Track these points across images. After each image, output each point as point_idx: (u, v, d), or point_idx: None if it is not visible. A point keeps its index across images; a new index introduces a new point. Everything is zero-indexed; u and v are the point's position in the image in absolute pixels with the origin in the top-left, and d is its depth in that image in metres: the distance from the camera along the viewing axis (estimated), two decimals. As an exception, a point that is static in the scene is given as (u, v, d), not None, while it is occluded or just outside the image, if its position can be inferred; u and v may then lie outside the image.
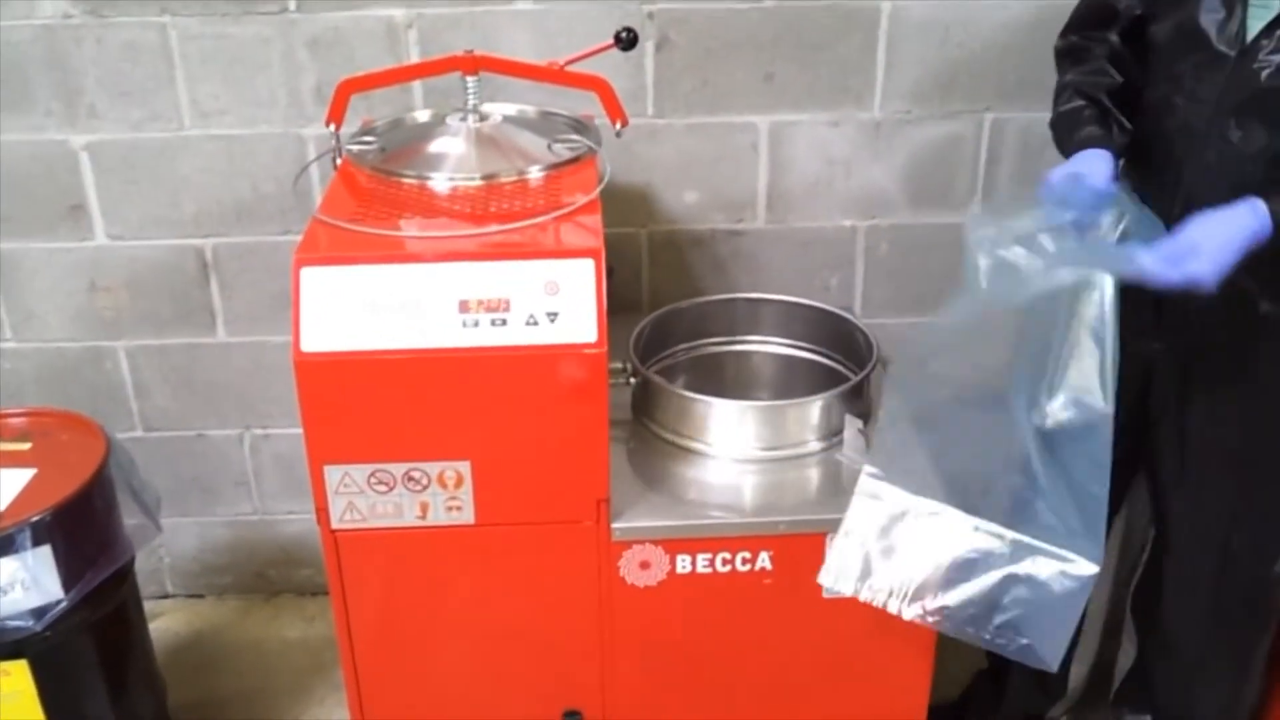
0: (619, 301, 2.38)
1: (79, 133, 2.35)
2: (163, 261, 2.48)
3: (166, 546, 2.81)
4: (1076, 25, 1.87)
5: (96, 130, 2.36)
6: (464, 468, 1.72)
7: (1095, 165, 1.68)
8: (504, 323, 1.64)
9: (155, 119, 2.35)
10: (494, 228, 1.70)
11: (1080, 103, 1.79)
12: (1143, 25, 1.78)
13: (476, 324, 1.65)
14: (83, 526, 1.97)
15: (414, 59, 2.32)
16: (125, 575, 2.13)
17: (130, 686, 2.17)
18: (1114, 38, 1.81)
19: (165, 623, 2.82)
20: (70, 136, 2.35)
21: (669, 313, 2.20)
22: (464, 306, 1.65)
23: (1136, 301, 1.64)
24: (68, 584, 1.94)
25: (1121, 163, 1.75)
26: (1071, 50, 1.86)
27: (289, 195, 2.35)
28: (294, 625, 2.81)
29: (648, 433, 2.01)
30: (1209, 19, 1.65)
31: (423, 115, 2.15)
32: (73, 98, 2.32)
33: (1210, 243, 1.55)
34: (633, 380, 2.01)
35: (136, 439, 2.65)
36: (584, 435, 1.70)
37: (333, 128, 2.01)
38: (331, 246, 1.68)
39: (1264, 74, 1.61)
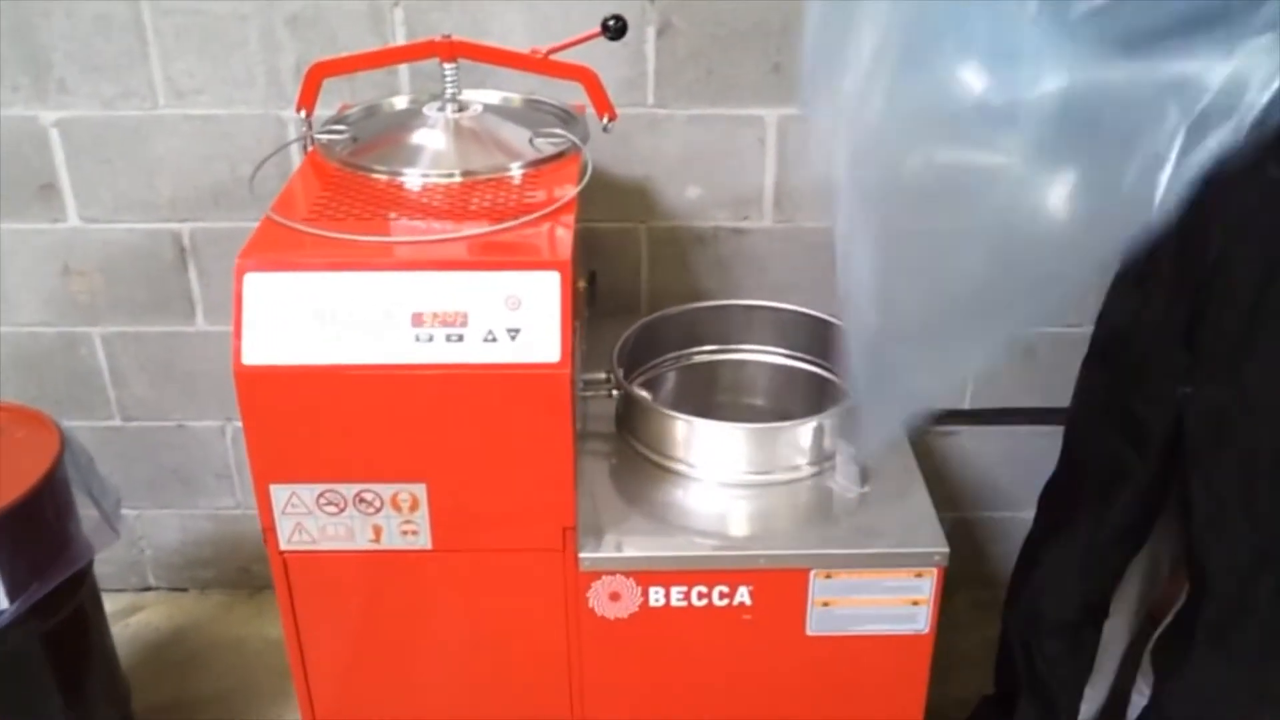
0: (614, 303, 2.27)
1: (49, 108, 2.24)
2: (138, 246, 2.37)
3: (148, 538, 2.73)
4: None
5: (67, 106, 2.24)
6: (419, 491, 1.60)
7: None
8: (460, 338, 1.51)
9: (128, 96, 2.23)
10: (454, 233, 1.57)
11: None
12: None
13: (431, 339, 1.52)
14: (31, 532, 1.87)
15: (399, 40, 2.18)
16: (82, 580, 2.03)
17: (89, 697, 2.08)
18: None
19: (146, 617, 2.74)
20: (40, 112, 2.24)
21: (659, 319, 2.06)
22: (418, 319, 1.52)
23: (1163, 341, 1.48)
24: (13, 593, 1.84)
25: None
26: None
27: (269, 180, 2.21)
28: (276, 623, 2.66)
29: (630, 449, 1.88)
30: None
31: (400, 102, 2.02)
32: (41, 72, 2.20)
33: None
34: (615, 393, 1.88)
35: (114, 428, 2.56)
36: (548, 460, 1.57)
37: (303, 114, 1.89)
38: (279, 250, 1.56)
39: None
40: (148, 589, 2.80)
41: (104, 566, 2.23)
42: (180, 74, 2.21)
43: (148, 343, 2.47)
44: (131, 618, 2.73)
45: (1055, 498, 2.02)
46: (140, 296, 2.42)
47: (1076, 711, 2.15)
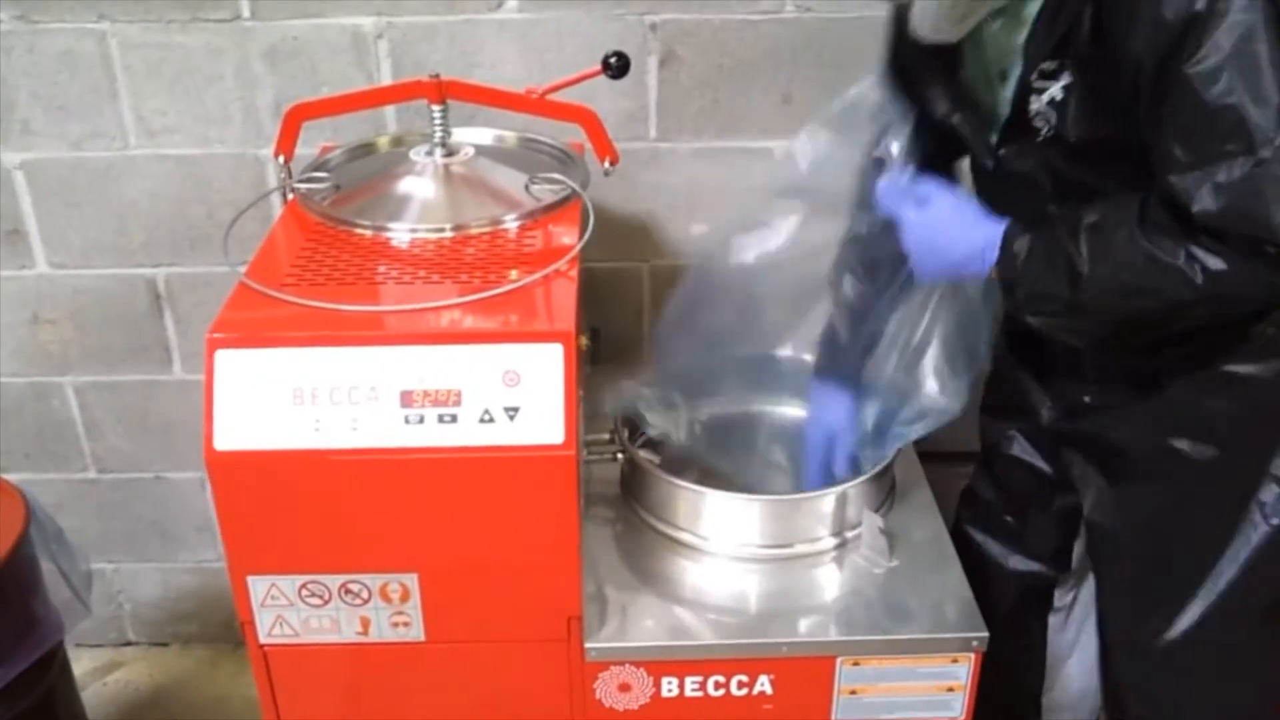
0: (616, 348, 2.13)
1: (13, 150, 2.10)
2: (111, 292, 2.23)
3: (126, 593, 2.59)
4: None
5: (32, 148, 2.10)
6: (410, 581, 1.47)
7: None
8: (454, 419, 1.38)
9: (97, 136, 2.10)
10: (444, 300, 1.44)
11: None
12: None
13: (421, 420, 1.38)
14: (-6, 614, 1.74)
15: (384, 73, 2.05)
16: (51, 660, 1.89)
17: (61, 780, 1.94)
18: None
19: (126, 675, 2.61)
20: (3, 154, 2.10)
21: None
22: (407, 399, 1.38)
23: None
24: (-25, 680, 1.70)
25: None
26: None
27: (249, 222, 2.07)
28: (262, 682, 2.57)
29: (636, 518, 1.74)
30: None
31: (385, 142, 1.88)
32: (4, 112, 2.06)
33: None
34: (619, 456, 1.75)
35: (89, 481, 2.43)
36: (551, 548, 1.44)
37: (281, 160, 1.76)
38: (254, 322, 1.42)
39: None
40: (127, 644, 2.66)
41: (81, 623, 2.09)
42: (151, 112, 2.08)
43: (123, 392, 2.34)
44: (110, 676, 2.60)
45: None
46: (114, 345, 2.28)
47: None
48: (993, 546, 1.83)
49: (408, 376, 1.38)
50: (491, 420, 1.38)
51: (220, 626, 2.62)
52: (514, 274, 1.49)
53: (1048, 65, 1.36)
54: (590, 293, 2.15)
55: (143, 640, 2.65)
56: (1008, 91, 1.43)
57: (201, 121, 2.09)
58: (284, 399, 1.38)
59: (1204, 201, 1.21)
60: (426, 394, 1.38)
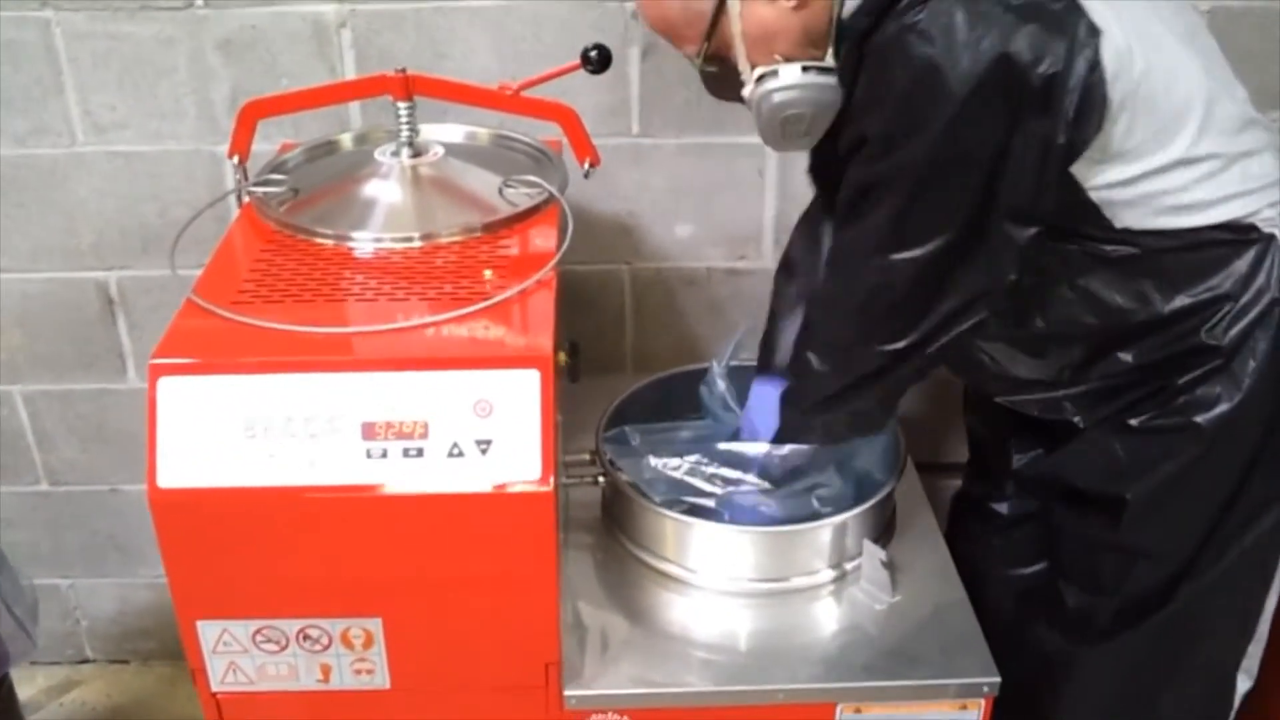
0: (596, 356, 2.01)
1: (-49, 148, 1.96)
2: (60, 297, 2.10)
3: (83, 609, 2.47)
4: None
5: (-28, 145, 1.96)
6: (374, 626, 1.35)
7: None
8: (420, 453, 1.26)
9: (42, 132, 1.96)
10: (410, 320, 1.31)
11: None
12: None
13: (385, 454, 1.26)
14: (-71, 651, 1.61)
15: (348, 65, 1.92)
16: (-7, 696, 1.77)
17: (6, 820, 1.82)
18: None
19: (82, 694, 2.49)
20: (-59, 152, 1.96)
21: (649, 386, 1.80)
22: (369, 431, 1.26)
23: None
24: (-91, 722, 1.58)
25: None
26: None
27: (206, 223, 1.94)
28: (224, 700, 2.45)
29: (619, 546, 1.63)
30: None
31: (348, 141, 1.76)
32: (-59, 107, 1.92)
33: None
34: (601, 480, 1.63)
35: (41, 494, 2.30)
36: (527, 592, 1.33)
37: (236, 160, 1.63)
38: (202, 346, 1.30)
39: None
40: (85, 661, 2.53)
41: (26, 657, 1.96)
42: (100, 107, 1.94)
43: (75, 401, 2.20)
44: (66, 695, 2.48)
45: None
46: (64, 352, 2.15)
47: None
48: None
49: (370, 406, 1.26)
50: (461, 454, 1.26)
51: (180, 644, 2.48)
52: (488, 274, 1.39)
53: None
54: (569, 297, 2.03)
55: (100, 658, 2.53)
56: None
57: (153, 116, 1.95)
58: (235, 431, 1.26)
59: None
60: (390, 425, 1.26)
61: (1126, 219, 1.34)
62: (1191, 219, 1.34)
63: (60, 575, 2.40)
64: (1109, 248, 1.36)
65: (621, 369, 2.14)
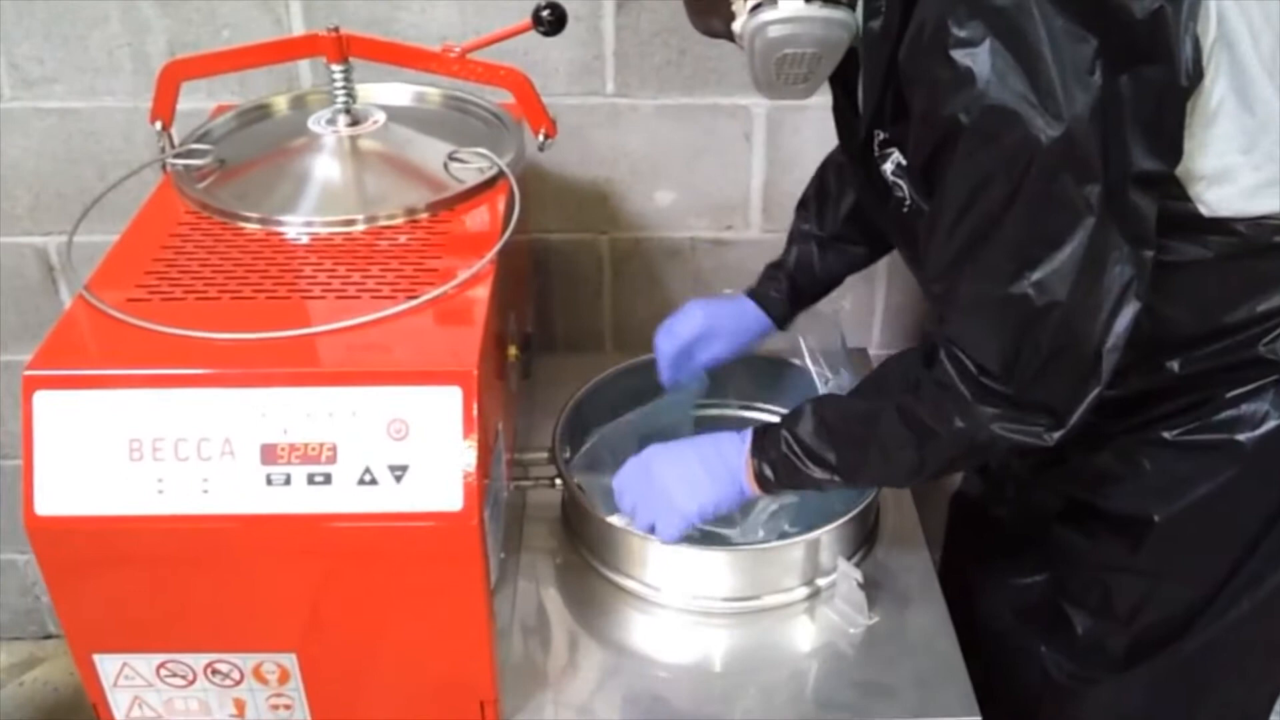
0: (571, 332, 1.87)
1: None
2: (-3, 264, 1.96)
3: (41, 584, 2.35)
4: None
5: (-109, 101, 1.82)
6: (289, 661, 1.21)
7: None
8: (327, 479, 1.11)
9: (-35, 88, 1.81)
10: (315, 325, 1.16)
11: None
12: None
13: (288, 480, 1.12)
14: None
15: (294, 18, 1.76)
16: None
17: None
18: None
19: (45, 672, 2.39)
20: None
21: (612, 377, 1.65)
22: (270, 455, 1.11)
23: None
24: None
25: None
26: None
27: (146, 184, 1.80)
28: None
29: (578, 558, 1.49)
30: None
31: (283, 104, 1.60)
32: None
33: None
34: (558, 483, 1.48)
35: (-8, 469, 2.17)
36: (455, 628, 1.19)
37: (159, 126, 1.48)
38: (86, 354, 1.15)
39: None
40: (48, 637, 2.43)
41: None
42: (26, 59, 1.79)
43: (19, 373, 2.07)
44: (27, 674, 2.38)
45: None
46: (5, 322, 2.02)
47: None
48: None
49: (270, 427, 1.11)
50: (374, 481, 1.11)
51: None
52: (438, 265, 1.21)
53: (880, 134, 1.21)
54: (542, 268, 1.88)
55: (62, 633, 2.42)
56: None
57: (85, 71, 1.80)
58: (119, 453, 1.12)
59: None
60: (294, 448, 1.11)
61: (1208, 198, 1.13)
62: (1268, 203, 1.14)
63: (17, 551, 2.29)
64: (1189, 245, 1.16)
65: (599, 347, 1.99)
